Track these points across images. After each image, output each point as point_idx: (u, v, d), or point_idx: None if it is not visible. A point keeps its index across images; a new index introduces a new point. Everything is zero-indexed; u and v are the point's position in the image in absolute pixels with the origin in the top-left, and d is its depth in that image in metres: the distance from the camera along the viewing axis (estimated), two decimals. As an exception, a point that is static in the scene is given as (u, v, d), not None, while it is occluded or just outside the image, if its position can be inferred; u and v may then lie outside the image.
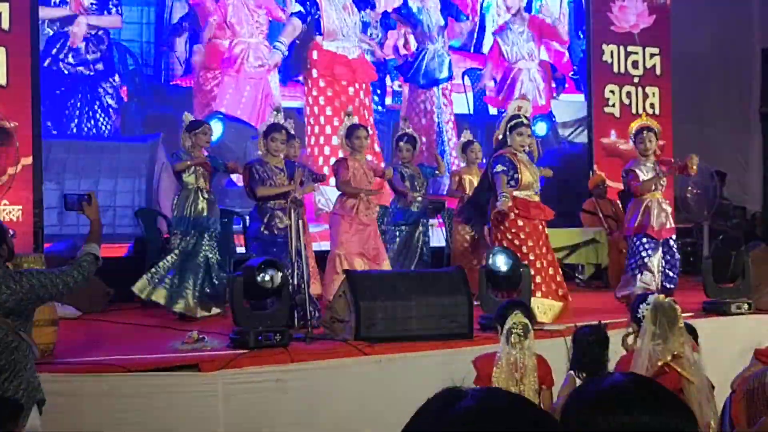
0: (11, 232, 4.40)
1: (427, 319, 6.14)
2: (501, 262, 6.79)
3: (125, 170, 9.34)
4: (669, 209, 8.08)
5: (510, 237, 7.15)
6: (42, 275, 4.02)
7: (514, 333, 4.81)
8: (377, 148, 10.46)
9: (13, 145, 8.30)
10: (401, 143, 8.34)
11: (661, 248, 7.90)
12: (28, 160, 8.56)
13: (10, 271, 3.98)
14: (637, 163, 8.04)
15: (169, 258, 7.43)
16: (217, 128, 9.40)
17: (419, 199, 8.28)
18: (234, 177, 8.86)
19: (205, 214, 7.52)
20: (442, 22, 11.11)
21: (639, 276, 7.84)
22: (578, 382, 4.92)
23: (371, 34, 10.79)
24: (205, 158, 7.58)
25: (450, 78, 11.18)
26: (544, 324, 6.84)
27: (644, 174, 7.93)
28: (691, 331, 4.87)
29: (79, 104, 9.20)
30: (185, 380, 5.31)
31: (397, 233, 8.25)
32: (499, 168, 7.14)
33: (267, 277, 5.70)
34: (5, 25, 8.55)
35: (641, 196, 7.94)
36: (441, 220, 9.10)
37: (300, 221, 6.61)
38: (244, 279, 5.71)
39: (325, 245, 8.38)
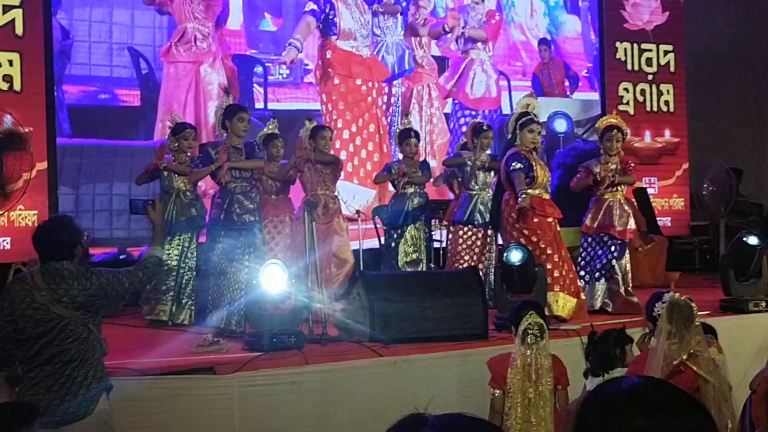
0: (86, 234, 4.54)
1: (441, 319, 6.14)
2: (516, 258, 6.77)
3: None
4: (630, 211, 7.88)
5: (527, 233, 7.14)
6: (110, 274, 4.27)
7: (530, 334, 4.79)
8: (385, 149, 10.44)
9: (28, 151, 8.32)
10: (411, 138, 8.26)
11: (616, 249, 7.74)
12: (42, 165, 8.59)
13: (83, 269, 4.24)
14: (597, 162, 7.86)
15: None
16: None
17: (411, 190, 8.14)
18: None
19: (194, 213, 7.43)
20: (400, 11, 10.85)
21: (603, 280, 7.71)
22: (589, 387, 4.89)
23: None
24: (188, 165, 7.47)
25: (410, 71, 10.87)
26: (559, 324, 6.82)
27: (597, 169, 7.78)
28: (711, 331, 4.84)
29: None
30: (201, 383, 5.32)
31: (394, 241, 8.11)
32: (517, 165, 7.13)
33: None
34: (19, 31, 8.58)
35: (577, 190, 7.86)
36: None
37: (313, 223, 6.60)
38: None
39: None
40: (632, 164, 7.99)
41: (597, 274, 7.73)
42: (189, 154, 7.53)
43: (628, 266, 7.80)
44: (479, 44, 11.20)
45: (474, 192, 8.13)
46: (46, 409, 4.05)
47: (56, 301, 4.07)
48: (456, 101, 11.12)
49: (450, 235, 8.37)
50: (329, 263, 7.56)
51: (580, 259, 7.86)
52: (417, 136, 8.36)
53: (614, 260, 7.70)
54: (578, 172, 7.96)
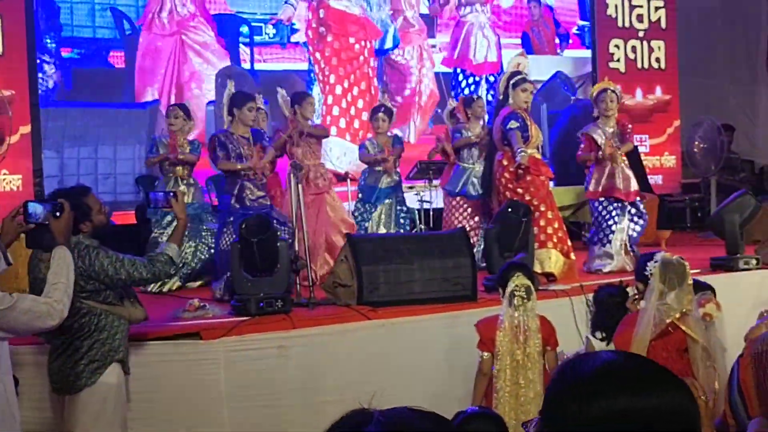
0: (105, 207, 4.33)
1: (430, 282, 6.08)
2: (518, 211, 6.72)
3: (124, 137, 9.24)
4: (631, 173, 7.82)
5: (521, 192, 7.13)
6: (111, 260, 4.10)
7: (517, 295, 4.77)
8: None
9: (6, 114, 8.20)
10: (379, 114, 8.08)
11: (627, 213, 7.75)
12: (26, 129, 8.47)
13: (90, 247, 4.07)
14: (595, 128, 7.81)
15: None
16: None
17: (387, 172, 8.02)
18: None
19: (191, 199, 7.43)
20: None
21: (605, 247, 7.66)
22: (597, 345, 4.87)
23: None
24: (177, 154, 7.46)
25: (395, 47, 10.84)
26: (549, 284, 6.80)
27: (600, 138, 7.73)
28: (710, 289, 4.82)
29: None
30: (187, 348, 5.28)
31: (366, 214, 7.98)
32: (514, 124, 7.12)
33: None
34: (-1, -8, 8.41)
35: (581, 163, 7.86)
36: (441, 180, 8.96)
37: (300, 186, 6.52)
38: (240, 246, 5.64)
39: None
40: (630, 127, 7.98)
41: (603, 241, 7.70)
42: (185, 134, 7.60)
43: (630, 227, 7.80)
44: (477, 6, 11.07)
45: (468, 165, 8.12)
46: (54, 375, 4.18)
47: None
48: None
49: (444, 204, 8.42)
50: (330, 232, 7.51)
51: (594, 223, 7.86)
52: (388, 112, 8.17)
53: (614, 225, 7.68)
54: (579, 139, 7.91)
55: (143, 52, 9.45)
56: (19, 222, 3.87)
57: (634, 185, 7.78)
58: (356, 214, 8.04)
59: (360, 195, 8.12)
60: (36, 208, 3.78)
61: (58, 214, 3.74)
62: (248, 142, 6.81)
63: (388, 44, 10.80)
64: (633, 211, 7.78)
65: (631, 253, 7.55)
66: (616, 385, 1.36)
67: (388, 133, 8.17)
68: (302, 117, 7.56)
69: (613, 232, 7.65)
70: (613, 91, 7.84)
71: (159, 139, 7.69)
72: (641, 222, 7.82)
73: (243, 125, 6.78)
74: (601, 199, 7.72)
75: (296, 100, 7.64)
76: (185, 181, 7.55)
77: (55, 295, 3.56)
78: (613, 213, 7.69)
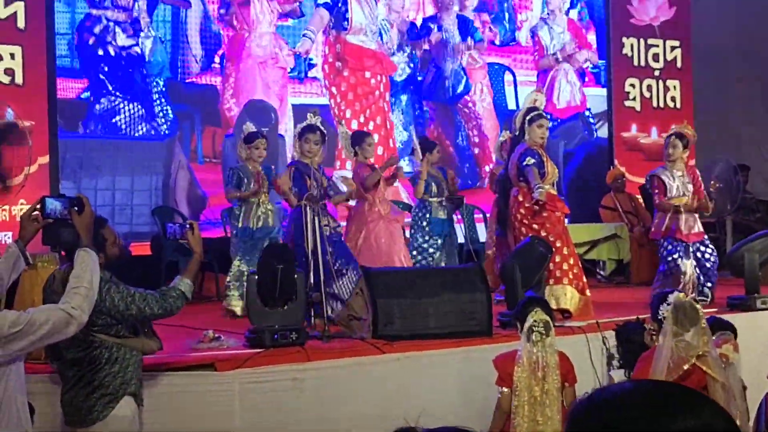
0: (119, 239, 4.31)
1: (445, 316, 6.05)
2: (542, 245, 6.68)
3: (142, 168, 9.29)
4: (696, 217, 7.89)
5: (536, 228, 7.11)
6: (122, 295, 4.05)
7: (536, 331, 4.74)
8: (391, 144, 10.48)
9: (26, 144, 8.27)
10: (438, 146, 8.33)
11: (693, 254, 7.74)
12: (44, 159, 8.54)
13: (102, 280, 3.92)
14: (663, 170, 7.88)
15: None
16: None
17: (443, 203, 8.22)
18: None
19: (271, 223, 7.45)
20: (458, 39, 11.01)
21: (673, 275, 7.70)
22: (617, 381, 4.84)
23: (387, 42, 10.74)
24: (258, 187, 7.43)
25: (467, 92, 11.12)
26: (564, 320, 6.76)
27: (670, 180, 7.79)
28: (730, 328, 4.79)
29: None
30: (201, 380, 5.26)
31: (436, 246, 8.09)
32: (531, 161, 7.13)
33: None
34: (21, 24, 8.52)
35: (660, 209, 7.84)
36: (460, 216, 8.97)
37: (317, 219, 6.52)
38: (258, 277, 5.64)
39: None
40: (712, 189, 7.98)
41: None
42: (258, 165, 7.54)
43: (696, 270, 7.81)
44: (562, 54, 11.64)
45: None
46: (67, 407, 4.16)
47: None
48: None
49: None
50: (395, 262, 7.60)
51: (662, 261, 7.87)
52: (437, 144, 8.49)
53: (679, 260, 7.72)
54: (652, 182, 7.90)
55: (244, 72, 9.89)
56: (35, 218, 3.74)
57: (698, 227, 7.84)
58: (425, 246, 8.08)
59: (427, 228, 8.14)
60: (54, 204, 3.69)
61: (77, 208, 3.64)
62: (320, 173, 7.08)
63: (460, 89, 11.05)
64: (701, 248, 7.79)
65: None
66: (674, 407, 1.33)
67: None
68: (363, 157, 7.70)
69: (678, 267, 7.68)
70: (677, 136, 7.88)
71: (240, 168, 7.48)
72: (705, 269, 7.81)
73: (306, 156, 7.03)
74: (663, 240, 7.79)
75: (356, 140, 7.74)
76: (266, 206, 7.47)
77: (75, 300, 3.40)
78: (678, 249, 7.71)
